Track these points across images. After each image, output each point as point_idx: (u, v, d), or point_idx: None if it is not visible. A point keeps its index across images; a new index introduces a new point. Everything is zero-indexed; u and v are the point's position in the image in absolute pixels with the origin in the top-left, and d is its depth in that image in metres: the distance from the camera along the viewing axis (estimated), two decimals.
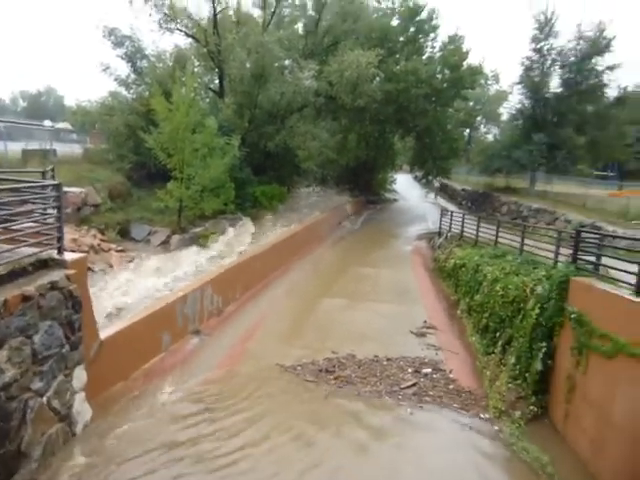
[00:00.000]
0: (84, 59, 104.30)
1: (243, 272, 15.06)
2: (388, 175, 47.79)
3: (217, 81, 26.70)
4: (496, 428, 8.46)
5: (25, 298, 6.23)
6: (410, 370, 10.56)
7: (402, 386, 9.76)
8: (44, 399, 6.55)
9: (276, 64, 23.71)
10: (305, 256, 20.94)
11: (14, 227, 6.93)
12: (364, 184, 39.93)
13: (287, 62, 25.99)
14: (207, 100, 26.83)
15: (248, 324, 13.04)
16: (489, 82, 56.93)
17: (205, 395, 9.00)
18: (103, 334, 8.42)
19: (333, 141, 26.25)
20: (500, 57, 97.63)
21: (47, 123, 35.40)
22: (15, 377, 5.92)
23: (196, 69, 25.36)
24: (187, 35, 25.09)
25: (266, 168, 25.11)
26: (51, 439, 6.63)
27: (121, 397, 8.53)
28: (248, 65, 22.77)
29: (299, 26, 30.38)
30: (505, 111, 47.66)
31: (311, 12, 29.51)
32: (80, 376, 7.51)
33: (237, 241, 18.52)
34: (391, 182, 49.01)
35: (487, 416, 8.85)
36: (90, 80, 45.42)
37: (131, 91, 23.69)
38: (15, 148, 18.83)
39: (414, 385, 9.84)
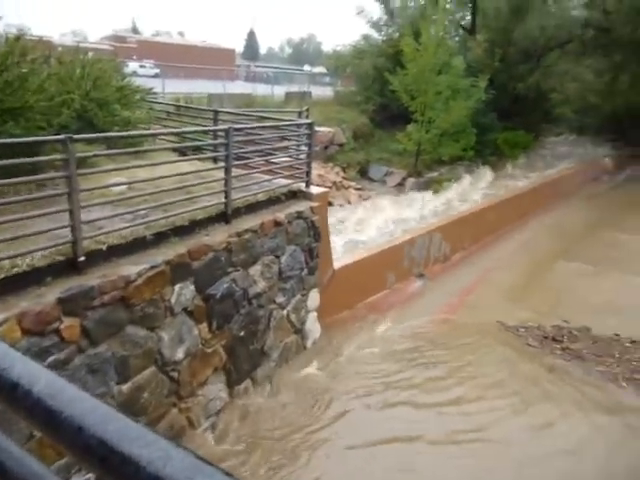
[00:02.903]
0: (343, 5, 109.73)
1: (474, 222, 14.48)
2: None
3: (469, 17, 25.10)
4: None
5: (277, 223, 7.16)
6: None
7: None
8: (284, 312, 7.60)
9: None
10: (546, 212, 18.99)
11: (273, 160, 7.92)
12: (634, 135, 33.48)
13: None
14: (456, 39, 25.58)
15: (472, 275, 12.64)
16: None
17: (421, 337, 9.18)
18: (336, 264, 9.21)
19: (599, 83, 22.42)
20: None
21: (306, 68, 38.93)
22: (264, 289, 6.98)
23: (448, 5, 24.22)
24: None
25: (512, 113, 23.04)
26: (287, 347, 7.73)
27: (346, 324, 9.31)
28: None
29: None
30: None
31: None
32: (314, 298, 8.43)
33: (472, 189, 17.82)
34: None
35: None
36: (347, 25, 47.67)
37: (382, 33, 24.07)
38: (279, 92, 21.47)
39: None
